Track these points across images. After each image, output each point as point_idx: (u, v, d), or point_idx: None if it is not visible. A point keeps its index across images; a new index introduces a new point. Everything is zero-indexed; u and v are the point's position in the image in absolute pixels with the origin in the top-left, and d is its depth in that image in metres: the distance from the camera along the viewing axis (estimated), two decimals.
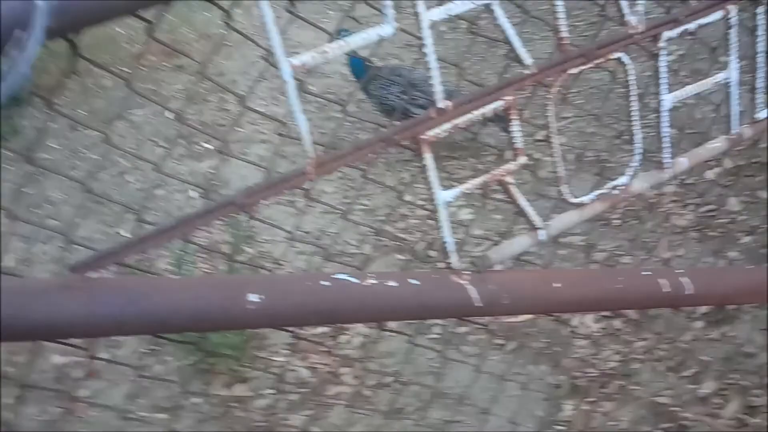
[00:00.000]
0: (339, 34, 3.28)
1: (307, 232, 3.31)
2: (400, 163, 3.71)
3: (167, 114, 4.39)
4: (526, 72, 1.07)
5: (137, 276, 0.98)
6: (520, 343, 2.55)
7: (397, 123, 3.43)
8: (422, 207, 3.27)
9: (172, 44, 4.72)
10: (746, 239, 2.91)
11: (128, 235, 3.50)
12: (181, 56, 4.86)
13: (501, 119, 3.73)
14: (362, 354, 2.62)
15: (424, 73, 1.01)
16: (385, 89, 3.64)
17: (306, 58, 0.90)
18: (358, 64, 3.75)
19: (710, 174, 3.29)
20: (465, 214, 3.29)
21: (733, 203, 3.08)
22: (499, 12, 1.02)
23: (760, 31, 1.30)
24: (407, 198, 3.43)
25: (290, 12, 0.94)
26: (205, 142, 4.12)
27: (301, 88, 0.95)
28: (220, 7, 0.91)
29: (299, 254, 3.19)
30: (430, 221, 3.24)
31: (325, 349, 2.56)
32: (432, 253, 3.06)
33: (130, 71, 4.87)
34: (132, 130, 4.36)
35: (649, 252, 2.87)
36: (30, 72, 0.65)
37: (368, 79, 3.69)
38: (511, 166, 1.14)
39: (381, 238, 3.17)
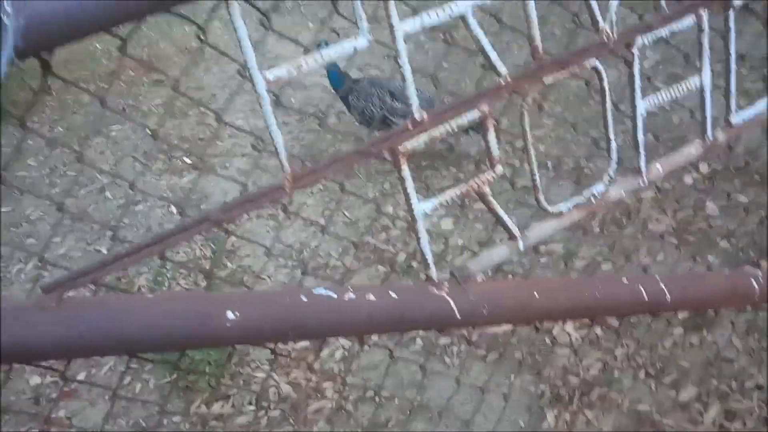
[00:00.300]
0: (319, 45, 3.27)
1: (288, 246, 3.30)
2: (381, 174, 3.72)
3: (147, 129, 4.37)
4: (501, 82, 1.08)
5: (113, 294, 0.96)
6: (501, 353, 2.55)
7: (377, 133, 3.46)
8: (402, 218, 3.29)
9: (150, 59, 4.71)
10: (724, 244, 2.94)
11: (105, 252, 3.47)
12: (159, 69, 4.85)
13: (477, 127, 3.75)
14: (343, 368, 2.60)
15: (403, 83, 1.01)
16: (364, 101, 3.65)
17: (281, 72, 0.89)
18: (335, 76, 3.77)
19: (687, 179, 3.32)
20: (446, 225, 3.30)
21: (711, 207, 3.11)
22: (472, 22, 1.02)
23: (732, 36, 1.31)
24: (388, 209, 3.44)
25: (264, 26, 0.93)
26: (185, 157, 4.10)
27: (277, 102, 0.94)
28: (194, 23, 0.90)
29: (281, 267, 3.18)
30: (411, 232, 3.24)
31: (306, 364, 2.55)
32: (414, 264, 3.06)
33: (107, 86, 4.86)
34: (111, 144, 4.33)
35: (628, 258, 2.89)
36: None
37: (347, 91, 3.71)
38: (488, 176, 1.13)
39: (362, 250, 3.17)
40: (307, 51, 0.93)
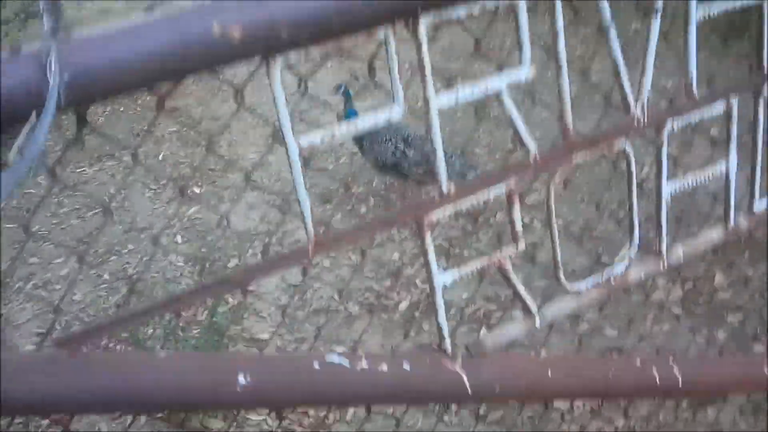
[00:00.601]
0: (338, 89, 3.27)
1: (291, 285, 3.27)
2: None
3: (160, 156, 4.39)
4: (530, 159, 1.07)
5: (125, 352, 0.94)
6: (503, 413, 2.51)
7: (391, 179, 3.41)
8: (407, 265, 3.27)
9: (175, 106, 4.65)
10: (731, 318, 2.91)
11: (107, 277, 3.45)
12: (176, 98, 4.86)
13: None
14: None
15: (418, 130, 1.00)
16: (378, 145, 3.65)
17: (314, 138, 0.89)
18: (352, 113, 3.78)
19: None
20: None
21: (719, 280, 3.09)
22: (507, 100, 1.02)
23: (761, 124, 1.31)
24: (393, 256, 3.42)
25: (300, 87, 0.93)
26: (196, 186, 4.10)
27: (306, 163, 0.94)
28: (234, 87, 0.90)
29: (278, 307, 3.14)
30: (417, 281, 3.22)
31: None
32: (416, 314, 3.03)
33: (122, 109, 4.88)
34: (122, 168, 4.34)
35: (634, 326, 2.86)
36: (43, 151, 0.64)
37: (361, 133, 3.71)
38: (510, 250, 1.12)
39: (366, 296, 3.15)
40: (338, 118, 0.93)
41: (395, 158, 3.55)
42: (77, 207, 3.99)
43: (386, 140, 3.63)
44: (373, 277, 3.26)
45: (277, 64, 0.83)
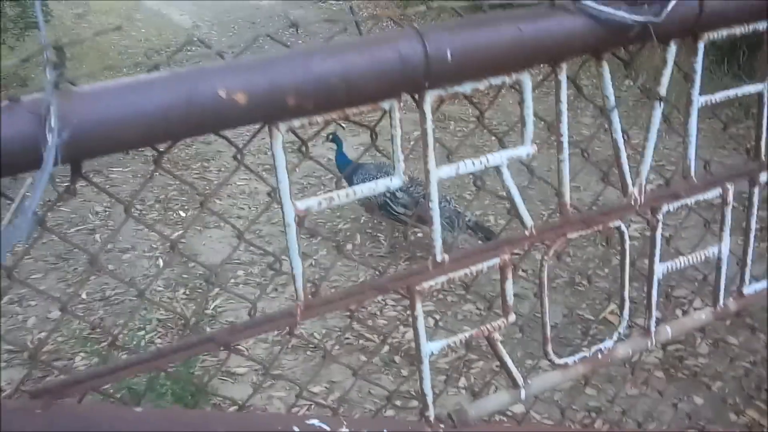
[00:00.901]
0: (329, 137, 3.28)
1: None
2: (375, 258, 3.69)
3: (148, 176, 4.35)
4: (526, 233, 1.06)
5: (101, 405, 0.92)
6: None
7: (378, 218, 3.37)
8: (389, 306, 3.25)
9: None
10: (711, 384, 2.91)
11: (84, 297, 3.39)
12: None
13: (482, 229, 3.72)
14: None
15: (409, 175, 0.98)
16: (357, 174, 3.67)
17: (311, 203, 0.88)
18: (344, 162, 3.81)
19: (679, 312, 3.31)
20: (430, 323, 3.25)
21: (702, 346, 3.09)
22: (506, 174, 1.02)
23: (754, 210, 1.32)
24: (378, 297, 3.40)
25: (302, 152, 0.92)
26: (181, 210, 4.07)
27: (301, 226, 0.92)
28: (235, 146, 0.89)
29: (260, 342, 3.10)
30: (398, 323, 3.19)
31: None
32: (397, 359, 3.00)
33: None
34: (109, 186, 4.30)
35: (614, 385, 2.84)
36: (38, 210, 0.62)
37: (351, 172, 3.72)
38: (500, 322, 1.11)
39: (346, 335, 3.11)
40: (338, 183, 0.92)
41: (384, 198, 3.55)
42: (59, 222, 3.95)
43: (375, 179, 3.64)
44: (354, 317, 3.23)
45: (281, 130, 0.82)
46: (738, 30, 1.14)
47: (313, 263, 3.57)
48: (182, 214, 4.10)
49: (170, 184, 4.36)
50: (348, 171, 3.76)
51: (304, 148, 0.92)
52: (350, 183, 3.80)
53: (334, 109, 0.84)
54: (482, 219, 3.83)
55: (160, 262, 3.66)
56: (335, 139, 3.78)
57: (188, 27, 9.07)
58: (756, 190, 1.30)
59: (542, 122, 1.06)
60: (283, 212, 0.86)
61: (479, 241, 3.42)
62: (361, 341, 3.10)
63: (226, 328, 0.90)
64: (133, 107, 0.73)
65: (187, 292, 3.39)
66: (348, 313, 1.07)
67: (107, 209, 4.09)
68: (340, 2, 9.88)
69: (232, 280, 3.51)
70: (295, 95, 0.78)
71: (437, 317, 3.19)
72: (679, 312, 3.19)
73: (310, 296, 0.93)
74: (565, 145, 1.04)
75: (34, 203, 0.62)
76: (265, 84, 0.77)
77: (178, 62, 0.81)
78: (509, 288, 1.10)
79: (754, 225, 1.33)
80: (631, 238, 1.20)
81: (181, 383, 2.35)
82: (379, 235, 3.85)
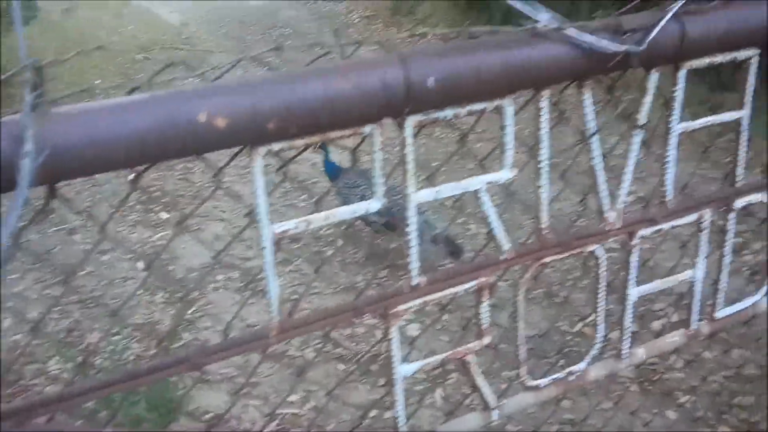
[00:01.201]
0: (315, 145, 3.27)
1: (251, 325, 3.22)
2: (354, 265, 3.69)
3: (127, 177, 4.32)
4: (503, 257, 1.07)
5: (71, 425, 0.91)
6: None
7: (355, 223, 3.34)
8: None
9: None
10: (684, 399, 2.94)
11: (58, 295, 3.36)
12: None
13: (451, 244, 3.72)
14: None
15: (390, 181, 0.99)
16: (348, 190, 3.68)
17: (289, 225, 0.88)
18: (332, 168, 3.83)
19: (656, 325, 3.34)
20: (412, 330, 3.25)
21: (676, 360, 3.12)
22: (485, 198, 1.02)
23: (730, 236, 1.33)
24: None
25: (286, 175, 0.92)
26: (163, 212, 4.04)
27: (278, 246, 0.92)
28: (212, 167, 0.89)
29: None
30: (377, 331, 3.19)
31: None
32: (374, 368, 3.00)
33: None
34: (90, 186, 4.27)
35: (588, 398, 2.86)
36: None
37: (338, 178, 3.75)
38: (473, 345, 1.12)
39: (324, 343, 3.11)
40: (315, 207, 0.92)
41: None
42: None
43: (356, 185, 3.66)
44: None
45: (261, 154, 0.82)
46: (719, 59, 1.16)
47: (294, 269, 3.57)
48: (164, 215, 4.08)
49: (152, 185, 4.33)
50: (336, 181, 3.79)
51: (285, 171, 0.92)
52: (337, 191, 3.83)
53: (315, 134, 0.84)
54: (463, 231, 3.84)
55: (140, 264, 3.63)
56: (323, 146, 3.79)
57: (177, 25, 9.02)
58: (731, 217, 1.31)
59: (524, 147, 1.07)
60: (261, 235, 0.86)
61: (449, 256, 3.45)
62: (338, 349, 3.10)
63: (199, 350, 0.90)
64: (111, 131, 0.72)
65: (166, 296, 3.38)
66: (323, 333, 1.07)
67: (88, 208, 4.05)
68: (331, 2, 9.85)
69: (212, 285, 3.49)
70: (276, 120, 0.78)
71: (417, 328, 3.20)
72: (657, 324, 3.22)
73: (286, 316, 0.93)
74: (544, 171, 1.05)
75: (8, 229, 0.61)
76: (246, 108, 0.77)
77: (160, 84, 0.81)
78: (485, 311, 1.10)
79: (728, 251, 1.34)
80: (610, 250, 1.21)
81: (156, 391, 2.34)
82: (362, 239, 3.85)
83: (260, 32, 8.58)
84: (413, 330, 3.26)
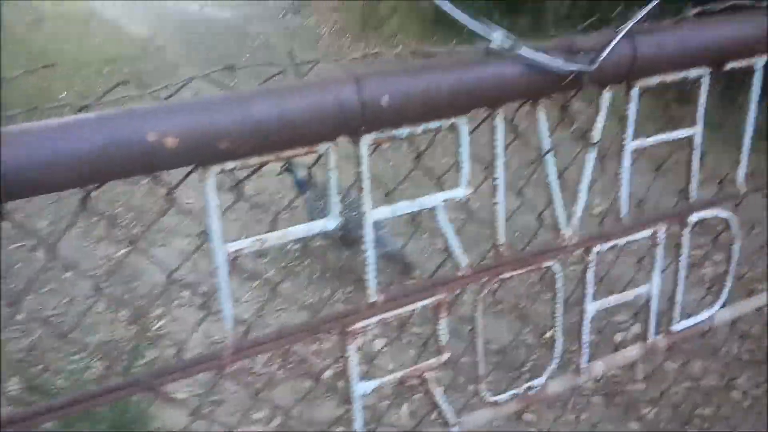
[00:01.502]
0: (284, 166, 3.23)
1: (215, 342, 3.19)
2: (320, 281, 3.68)
3: (92, 192, 4.26)
4: (460, 273, 1.08)
5: None
6: None
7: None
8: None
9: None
10: (646, 411, 2.97)
11: (22, 317, 3.30)
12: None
13: (398, 261, 3.72)
14: None
15: (354, 193, 0.99)
16: (313, 203, 3.68)
17: (243, 245, 0.87)
18: (300, 182, 3.83)
19: (617, 336, 3.38)
20: (378, 345, 3.25)
21: (639, 370, 3.15)
22: (441, 215, 1.03)
23: (685, 250, 1.36)
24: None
25: (240, 194, 0.92)
26: (127, 228, 3.99)
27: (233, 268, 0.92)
28: (165, 186, 0.88)
29: None
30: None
31: None
32: (341, 384, 2.98)
33: None
34: (52, 203, 4.20)
35: (553, 410, 2.88)
36: None
37: (306, 188, 3.76)
38: (432, 362, 1.12)
39: (290, 359, 3.09)
40: (271, 225, 0.92)
41: (322, 218, 3.56)
42: None
43: (322, 197, 3.66)
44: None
45: (213, 173, 0.82)
46: (670, 78, 1.18)
47: (263, 283, 3.54)
48: (129, 231, 4.03)
49: (118, 200, 4.28)
50: (303, 190, 3.78)
51: (240, 189, 0.92)
52: (307, 203, 3.84)
53: (269, 152, 0.84)
54: (427, 248, 3.84)
55: (101, 282, 3.58)
56: (289, 168, 3.82)
57: (144, 38, 8.95)
58: (686, 232, 1.34)
59: (481, 164, 1.08)
60: (213, 255, 0.86)
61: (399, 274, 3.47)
62: (304, 365, 3.08)
63: (154, 371, 0.88)
64: (59, 150, 0.72)
65: (129, 314, 3.33)
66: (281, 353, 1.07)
67: (51, 224, 3.99)
68: (300, 17, 9.86)
69: (176, 302, 3.45)
70: (229, 139, 0.78)
71: (383, 343, 3.20)
72: (618, 336, 3.26)
73: (241, 336, 0.92)
74: (500, 188, 1.06)
75: None
76: (198, 128, 0.77)
77: (113, 102, 0.80)
78: (443, 328, 1.11)
79: (684, 265, 1.37)
80: (572, 263, 1.22)
81: (117, 409, 2.30)
82: (326, 255, 3.84)
83: (228, 47, 8.55)
84: (380, 344, 3.26)
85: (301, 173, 3.79)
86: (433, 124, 0.97)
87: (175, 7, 10.71)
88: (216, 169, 0.82)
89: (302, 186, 3.79)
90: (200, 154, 0.79)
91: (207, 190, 0.82)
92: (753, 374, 3.09)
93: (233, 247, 0.87)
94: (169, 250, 3.83)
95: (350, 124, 0.88)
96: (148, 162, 0.76)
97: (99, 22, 9.62)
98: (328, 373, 3.05)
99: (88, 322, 3.22)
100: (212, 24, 9.80)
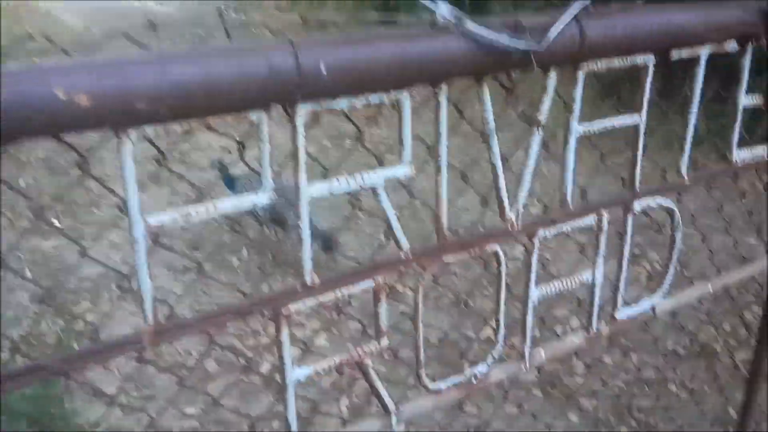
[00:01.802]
0: (213, 164, 3.21)
1: None
2: (261, 274, 3.59)
3: (21, 182, 4.07)
4: (402, 256, 1.03)
5: None
6: None
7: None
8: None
9: None
10: (585, 403, 2.99)
11: None
12: None
13: (320, 236, 3.69)
14: None
15: (282, 182, 0.93)
16: (242, 189, 3.61)
17: (165, 218, 0.80)
18: (229, 182, 3.77)
19: (558, 329, 3.40)
20: (320, 341, 3.19)
21: (579, 365, 3.17)
22: (383, 197, 0.98)
23: (628, 238, 1.34)
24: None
25: (159, 163, 0.85)
26: (55, 219, 3.82)
27: (155, 243, 0.85)
28: (77, 152, 0.80)
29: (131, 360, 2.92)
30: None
31: None
32: (278, 377, 2.90)
33: None
34: None
35: (493, 402, 2.87)
36: None
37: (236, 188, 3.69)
38: (372, 347, 1.07)
39: (226, 354, 3.00)
40: (197, 196, 0.85)
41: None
42: None
43: (250, 188, 3.59)
44: (235, 334, 3.12)
45: (131, 137, 0.74)
46: (617, 62, 1.16)
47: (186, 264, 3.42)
48: (56, 223, 3.85)
49: (45, 191, 4.09)
50: (233, 188, 3.71)
51: (161, 158, 0.84)
52: (231, 187, 3.76)
53: (192, 117, 0.77)
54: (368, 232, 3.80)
55: (28, 273, 3.41)
56: (220, 166, 3.77)
57: (79, 30, 8.63)
58: (629, 218, 1.32)
59: (424, 145, 1.03)
60: (130, 227, 0.78)
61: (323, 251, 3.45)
62: (241, 359, 2.99)
63: (63, 357, 0.81)
64: None
65: (55, 308, 3.17)
66: (209, 337, 1.00)
67: None
68: (241, 17, 9.67)
69: (106, 295, 3.31)
70: (147, 100, 0.71)
71: (323, 336, 3.13)
72: (559, 329, 3.28)
73: (161, 320, 0.85)
74: (443, 167, 1.02)
75: None
76: (113, 85, 0.70)
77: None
78: (383, 311, 1.06)
79: (627, 252, 1.35)
80: (513, 258, 1.19)
81: (38, 405, 2.17)
82: (257, 237, 3.75)
83: (166, 40, 8.31)
84: (321, 341, 3.20)
85: (232, 171, 3.73)
86: (374, 98, 0.92)
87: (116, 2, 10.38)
88: (134, 134, 0.75)
89: (231, 184, 3.72)
90: (116, 115, 0.71)
91: (124, 154, 0.75)
92: (689, 367, 3.15)
93: (155, 220, 0.80)
94: (101, 244, 3.68)
95: (284, 91, 0.82)
96: (57, 121, 0.68)
97: (32, 12, 9.23)
98: (265, 367, 2.97)
99: (10, 316, 3.06)
100: (150, 17, 9.52)
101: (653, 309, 1.43)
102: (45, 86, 0.67)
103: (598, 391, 3.00)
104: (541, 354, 1.32)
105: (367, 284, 1.02)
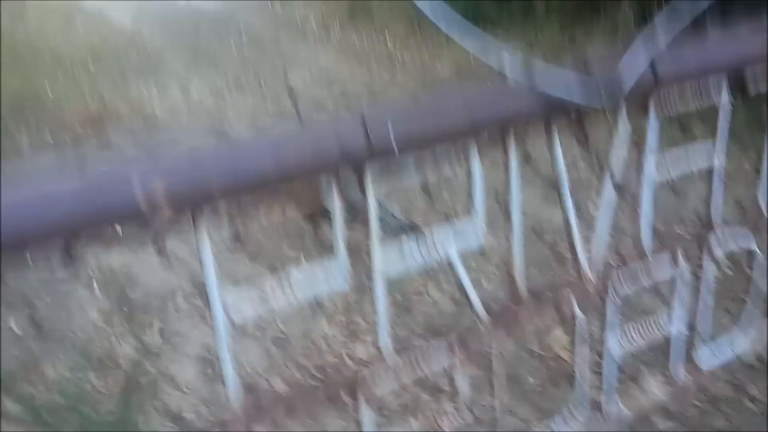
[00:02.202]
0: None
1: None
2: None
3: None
4: (481, 327, 1.00)
5: None
6: None
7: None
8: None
9: None
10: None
11: None
12: None
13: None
14: None
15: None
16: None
17: (249, 313, 0.79)
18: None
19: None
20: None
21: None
22: (459, 267, 0.95)
23: (705, 282, 1.28)
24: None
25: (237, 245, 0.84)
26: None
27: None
28: (161, 252, 0.80)
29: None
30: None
31: None
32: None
33: None
34: None
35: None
36: None
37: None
38: (448, 409, 1.05)
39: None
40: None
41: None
42: None
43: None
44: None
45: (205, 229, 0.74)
46: (693, 105, 1.11)
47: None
48: None
49: None
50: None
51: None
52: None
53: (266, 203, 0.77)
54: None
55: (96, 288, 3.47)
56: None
57: (129, 31, 8.75)
58: (706, 256, 1.26)
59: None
60: (213, 325, 0.78)
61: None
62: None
63: None
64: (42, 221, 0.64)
65: (125, 324, 3.21)
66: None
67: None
68: (287, 6, 9.62)
69: (173, 311, 3.33)
70: (223, 192, 0.71)
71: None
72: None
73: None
74: (516, 226, 0.99)
75: None
76: (188, 186, 0.70)
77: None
78: (463, 386, 1.03)
79: (706, 293, 1.29)
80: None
81: None
82: None
83: (215, 39, 8.35)
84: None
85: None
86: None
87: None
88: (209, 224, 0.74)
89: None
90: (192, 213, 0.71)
91: (203, 254, 0.75)
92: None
93: (238, 316, 0.79)
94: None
95: (354, 164, 0.81)
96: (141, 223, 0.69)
97: (82, 14, 9.36)
98: None
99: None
100: (197, 15, 9.57)
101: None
102: (126, 190, 0.67)
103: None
104: (624, 409, 1.28)
105: (447, 361, 0.99)
